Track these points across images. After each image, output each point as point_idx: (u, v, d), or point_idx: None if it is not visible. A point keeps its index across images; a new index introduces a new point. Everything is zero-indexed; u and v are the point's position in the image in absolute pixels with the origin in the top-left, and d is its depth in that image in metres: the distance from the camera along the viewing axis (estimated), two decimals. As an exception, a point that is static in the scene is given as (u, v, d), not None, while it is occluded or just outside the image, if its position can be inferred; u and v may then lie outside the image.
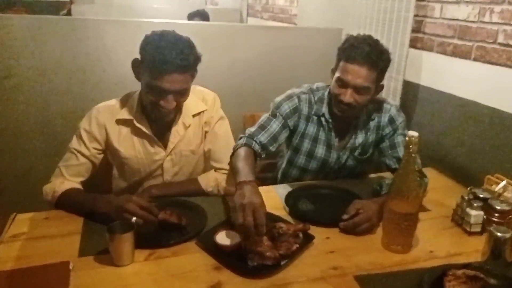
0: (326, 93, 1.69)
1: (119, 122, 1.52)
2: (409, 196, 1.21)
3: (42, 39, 2.10)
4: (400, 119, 1.70)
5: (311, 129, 1.72)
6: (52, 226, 1.35)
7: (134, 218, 1.23)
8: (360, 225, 1.33)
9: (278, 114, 1.67)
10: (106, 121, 1.51)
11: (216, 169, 1.62)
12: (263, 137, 1.61)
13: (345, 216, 1.35)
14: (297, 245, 1.21)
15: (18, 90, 2.10)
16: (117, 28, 2.23)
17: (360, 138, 1.71)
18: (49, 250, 1.22)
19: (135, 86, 1.53)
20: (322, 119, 1.69)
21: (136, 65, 1.44)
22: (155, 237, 1.27)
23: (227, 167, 1.60)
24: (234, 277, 1.13)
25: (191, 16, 3.80)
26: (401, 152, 1.62)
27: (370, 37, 1.56)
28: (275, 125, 1.65)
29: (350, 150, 1.73)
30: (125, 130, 1.54)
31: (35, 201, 1.47)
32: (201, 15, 3.79)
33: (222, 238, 1.22)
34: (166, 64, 1.33)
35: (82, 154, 1.50)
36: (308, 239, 1.27)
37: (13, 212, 1.42)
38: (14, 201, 2.17)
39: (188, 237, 1.28)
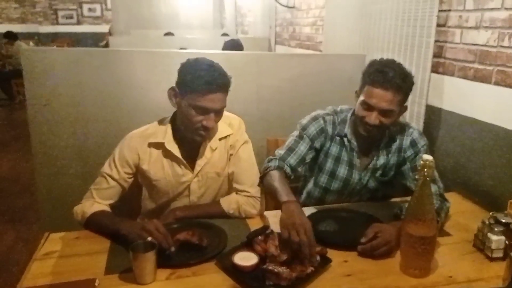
0: (349, 115, 1.74)
1: (151, 145, 1.61)
2: (425, 219, 1.21)
3: (79, 69, 2.24)
4: (422, 142, 1.72)
5: (334, 149, 1.76)
6: (81, 245, 1.42)
7: (149, 238, 1.28)
8: (378, 249, 1.34)
9: (305, 135, 1.73)
10: (138, 146, 1.61)
11: (237, 192, 1.67)
12: (292, 160, 1.68)
13: (363, 239, 1.37)
14: (312, 268, 1.23)
15: (57, 116, 2.24)
16: (150, 59, 2.35)
17: (381, 160, 1.73)
18: (78, 268, 1.29)
19: (165, 113, 1.64)
20: (345, 139, 1.74)
21: (174, 93, 1.55)
22: (176, 257, 1.32)
23: (249, 189, 1.65)
24: (250, 297, 1.16)
25: (226, 45, 3.92)
26: None
27: (393, 61, 1.61)
28: (302, 147, 1.71)
29: (371, 171, 1.75)
30: (156, 152, 1.62)
31: (70, 221, 1.57)
32: (236, 45, 3.91)
33: (240, 259, 1.26)
34: (208, 84, 1.45)
35: (113, 178, 1.58)
36: (325, 261, 1.29)
37: (48, 231, 1.52)
38: (52, 217, 2.29)
39: (208, 258, 1.32)
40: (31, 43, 8.93)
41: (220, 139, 1.66)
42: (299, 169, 1.73)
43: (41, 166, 2.29)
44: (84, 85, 2.27)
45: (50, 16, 10.62)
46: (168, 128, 1.62)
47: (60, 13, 10.66)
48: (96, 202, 1.55)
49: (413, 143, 1.71)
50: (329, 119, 1.76)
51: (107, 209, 1.56)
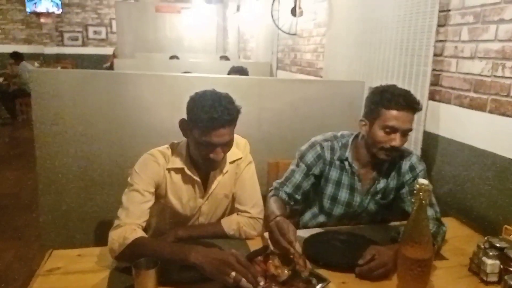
0: (350, 140, 1.80)
1: (170, 169, 1.62)
2: (421, 242, 1.24)
3: (85, 90, 2.30)
4: (420, 167, 1.77)
5: (334, 173, 1.81)
6: (84, 262, 1.45)
7: (233, 273, 1.23)
8: (375, 270, 1.37)
9: (301, 163, 1.82)
10: (163, 165, 1.61)
11: (239, 212, 1.70)
12: (287, 188, 1.79)
13: (360, 261, 1.39)
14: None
15: (63, 136, 2.28)
16: (155, 82, 2.42)
17: (382, 183, 1.79)
18: (80, 284, 1.32)
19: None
20: (346, 163, 1.79)
21: (184, 125, 1.56)
22: (177, 275, 1.34)
23: (250, 210, 1.68)
24: (249, 316, 1.18)
25: (232, 71, 3.99)
26: None
27: (395, 85, 1.71)
28: (297, 175, 1.80)
29: (372, 194, 1.80)
30: (175, 177, 1.63)
31: (71, 239, 1.59)
32: (242, 72, 3.98)
33: (247, 282, 1.25)
34: (213, 121, 1.45)
35: (147, 191, 1.54)
36: (323, 282, 1.31)
37: (50, 247, 1.54)
38: (53, 235, 2.31)
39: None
40: (36, 64, 9.07)
41: (230, 163, 1.69)
42: (297, 196, 1.80)
43: (44, 184, 2.32)
44: (90, 106, 2.32)
45: (55, 38, 10.82)
46: (185, 152, 1.63)
47: (66, 35, 10.85)
48: (137, 228, 1.46)
49: (412, 168, 1.76)
50: (326, 145, 1.82)
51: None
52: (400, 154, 1.78)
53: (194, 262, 1.28)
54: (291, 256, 1.33)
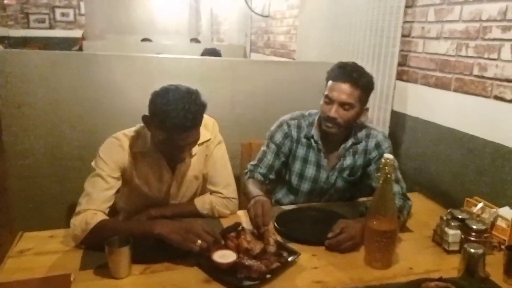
0: (316, 118, 1.84)
1: (136, 153, 1.60)
2: (386, 214, 1.30)
3: (54, 72, 2.25)
4: (386, 144, 1.82)
5: (301, 151, 1.86)
6: (56, 243, 1.44)
7: (199, 241, 1.28)
8: (343, 243, 1.42)
9: (271, 143, 1.87)
10: (128, 150, 1.58)
11: (212, 192, 1.72)
12: (261, 169, 1.85)
13: (330, 234, 1.44)
14: (278, 264, 1.28)
15: (30, 119, 2.23)
16: (126, 63, 2.38)
17: (348, 160, 1.83)
18: (53, 264, 1.32)
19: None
20: (312, 140, 1.83)
21: (147, 121, 1.52)
22: (151, 252, 1.35)
23: (223, 190, 1.70)
24: (222, 289, 1.21)
25: (205, 53, 3.96)
26: None
27: (354, 62, 1.76)
28: (269, 156, 1.86)
29: (339, 171, 1.85)
30: (141, 160, 1.61)
31: (43, 223, 1.57)
32: (214, 53, 3.95)
33: (220, 257, 1.30)
34: (177, 128, 1.42)
35: (111, 177, 1.51)
36: (294, 255, 1.35)
37: (21, 231, 1.53)
38: (24, 220, 2.28)
39: (182, 254, 1.36)
40: (0, 47, 8.74)
41: (199, 145, 1.68)
42: (271, 176, 1.86)
43: (14, 168, 2.28)
44: (59, 88, 2.27)
45: (21, 20, 10.40)
46: (149, 135, 1.59)
47: (32, 17, 10.44)
48: (98, 211, 1.43)
49: (378, 145, 1.82)
50: (293, 123, 1.87)
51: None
52: (366, 133, 1.84)
53: (160, 233, 1.31)
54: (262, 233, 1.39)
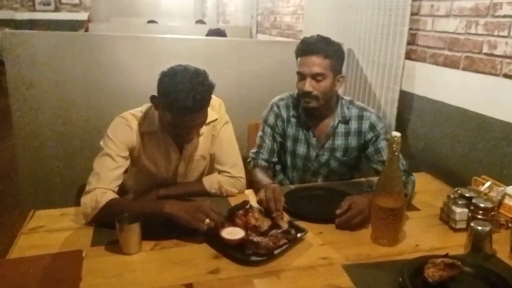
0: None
1: (144, 133, 1.60)
2: (393, 192, 1.30)
3: (61, 53, 2.26)
4: (380, 125, 1.83)
5: (291, 130, 1.90)
6: (67, 221, 1.46)
7: (207, 220, 1.29)
8: (352, 219, 1.43)
9: (266, 127, 1.91)
10: (136, 129, 1.58)
11: (219, 172, 1.73)
12: (263, 155, 1.87)
13: (338, 211, 1.45)
14: (285, 241, 1.30)
15: (39, 100, 2.26)
16: (131, 44, 2.38)
17: (339, 140, 1.85)
18: (64, 241, 1.34)
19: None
20: (299, 120, 1.87)
21: (155, 101, 1.52)
22: (161, 229, 1.37)
23: (230, 170, 1.71)
24: (231, 264, 1.23)
25: (210, 33, 3.95)
26: (385, 155, 1.75)
27: (318, 34, 1.78)
28: (267, 140, 1.89)
29: (330, 150, 1.87)
30: (149, 140, 1.62)
31: (51, 204, 1.59)
32: (220, 34, 3.93)
33: (228, 233, 1.32)
34: (185, 110, 1.42)
35: (120, 156, 1.53)
36: (301, 232, 1.37)
37: (32, 210, 1.56)
38: (33, 201, 2.32)
39: (191, 230, 1.38)
40: (7, 30, 8.72)
41: (206, 124, 1.68)
42: (274, 159, 1.90)
43: (23, 150, 2.31)
44: (66, 69, 2.28)
45: (26, 3, 10.36)
46: (157, 115, 1.59)
47: (38, 0, 10.41)
48: (107, 190, 1.45)
49: (372, 127, 1.83)
50: (282, 104, 1.91)
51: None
52: (359, 114, 1.84)
53: (169, 212, 1.32)
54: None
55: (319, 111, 1.81)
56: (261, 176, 1.73)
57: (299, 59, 1.77)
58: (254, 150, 1.91)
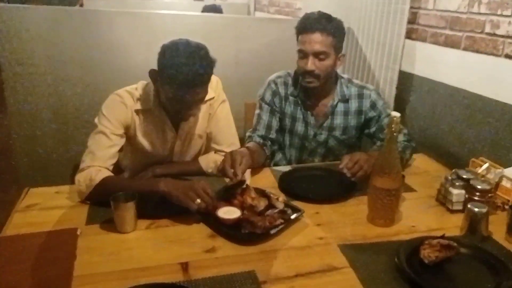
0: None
1: (139, 111, 1.58)
2: (391, 172, 1.29)
3: (55, 29, 2.21)
4: (380, 102, 1.83)
5: (289, 108, 1.86)
6: (62, 199, 1.45)
7: (198, 200, 1.28)
8: (353, 167, 1.51)
9: (263, 104, 1.86)
10: (131, 107, 1.56)
11: (216, 151, 1.72)
12: (259, 131, 1.82)
13: (340, 166, 1.54)
14: (282, 220, 1.29)
15: (32, 77, 2.22)
16: (128, 20, 2.33)
17: (338, 120, 1.84)
18: (60, 219, 1.33)
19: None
20: (298, 98, 1.83)
21: (154, 76, 1.49)
22: (157, 208, 1.37)
23: (227, 149, 1.68)
24: (227, 243, 1.23)
25: (205, 10, 3.89)
26: None
27: (319, 11, 1.74)
28: (264, 116, 1.85)
29: (328, 129, 1.85)
30: (144, 118, 1.59)
31: (48, 182, 1.58)
32: (215, 10, 3.87)
33: (224, 213, 1.31)
34: (187, 83, 1.38)
35: (114, 134, 1.51)
36: (298, 212, 1.36)
37: (26, 187, 1.54)
38: (30, 178, 2.31)
39: (186, 209, 1.37)
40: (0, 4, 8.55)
41: (203, 103, 1.64)
42: (271, 136, 1.83)
43: (18, 127, 2.29)
44: (60, 45, 2.24)
45: (20, -23, 10.13)
46: (152, 94, 1.57)
47: (31, -26, 10.17)
48: (102, 168, 1.43)
49: (373, 105, 1.82)
50: (280, 81, 1.87)
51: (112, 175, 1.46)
52: (359, 92, 1.83)
53: (163, 190, 1.31)
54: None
55: (318, 90, 1.79)
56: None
57: (300, 36, 1.72)
58: (250, 129, 1.88)
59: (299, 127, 1.86)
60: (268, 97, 1.86)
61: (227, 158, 1.42)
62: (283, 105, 1.86)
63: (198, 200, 1.28)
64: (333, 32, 1.68)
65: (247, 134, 1.86)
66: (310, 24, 1.68)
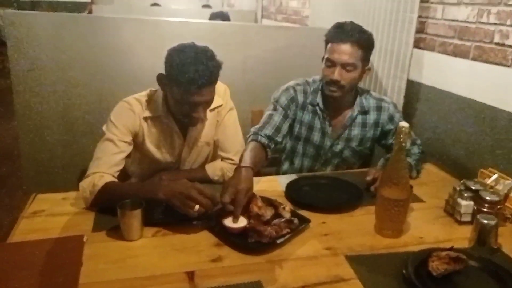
0: (321, 85, 1.81)
1: (147, 118, 1.58)
2: (399, 183, 1.28)
3: (63, 35, 2.22)
4: (398, 115, 1.83)
5: (307, 117, 1.84)
6: (69, 205, 1.45)
7: (197, 206, 1.26)
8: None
9: (277, 106, 1.81)
10: (139, 114, 1.56)
11: (223, 159, 1.72)
12: (267, 130, 1.74)
13: (368, 178, 1.59)
14: (288, 230, 1.28)
15: (41, 82, 2.23)
16: (135, 26, 2.34)
17: (356, 131, 1.82)
18: (66, 225, 1.33)
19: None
20: (317, 108, 1.81)
21: (163, 80, 1.49)
22: (164, 214, 1.36)
23: (234, 157, 1.70)
24: (233, 253, 1.22)
25: (213, 17, 3.91)
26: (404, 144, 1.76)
27: (352, 22, 1.71)
28: (276, 117, 1.79)
29: (345, 140, 1.84)
30: (153, 125, 1.60)
31: (54, 187, 1.58)
32: (223, 17, 3.89)
33: (230, 222, 1.30)
34: (194, 83, 1.39)
35: (122, 141, 1.51)
36: (305, 222, 1.36)
37: (34, 193, 1.54)
38: (36, 183, 2.31)
39: (195, 218, 1.37)
40: (9, 10, 8.63)
41: (210, 110, 1.66)
42: (277, 138, 1.76)
43: (25, 132, 2.29)
44: (69, 51, 2.25)
45: (29, -17, 10.24)
46: (161, 101, 1.58)
47: (40, -20, 10.27)
48: (105, 174, 1.43)
49: (391, 118, 1.81)
50: (299, 88, 1.84)
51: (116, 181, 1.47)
52: (377, 105, 1.82)
53: (162, 198, 1.30)
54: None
55: (339, 101, 1.77)
56: (246, 153, 1.53)
57: (330, 44, 1.69)
58: (257, 126, 1.78)
59: (316, 137, 1.85)
60: (284, 101, 1.82)
61: (230, 193, 1.33)
62: (300, 113, 1.84)
63: (197, 207, 1.26)
64: (364, 45, 1.67)
65: (252, 130, 1.77)
66: (341, 34, 1.65)
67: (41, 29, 2.19)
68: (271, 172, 2.06)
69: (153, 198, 1.32)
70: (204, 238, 1.28)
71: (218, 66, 1.45)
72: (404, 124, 1.24)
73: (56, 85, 2.27)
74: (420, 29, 2.11)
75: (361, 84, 1.86)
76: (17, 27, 2.14)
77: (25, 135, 2.30)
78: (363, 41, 1.66)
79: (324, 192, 1.61)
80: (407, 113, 2.18)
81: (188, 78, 1.38)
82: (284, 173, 1.94)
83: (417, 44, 2.13)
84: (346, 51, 1.64)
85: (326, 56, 1.70)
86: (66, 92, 2.30)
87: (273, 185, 1.67)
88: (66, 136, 2.35)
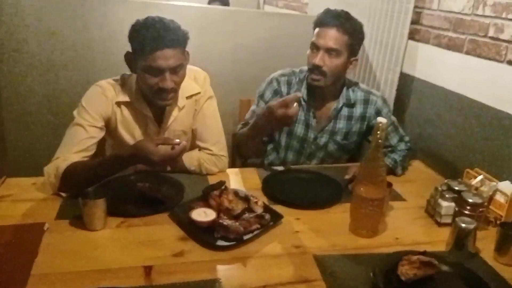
0: (307, 75, 1.74)
1: (120, 103, 1.53)
2: (375, 182, 1.22)
3: (51, 14, 2.17)
4: (385, 110, 1.77)
5: None
6: (37, 191, 1.41)
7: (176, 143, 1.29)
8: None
9: (261, 101, 1.80)
10: (112, 98, 1.51)
11: (200, 148, 1.66)
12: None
13: (347, 176, 1.54)
14: (258, 225, 1.24)
15: (26, 62, 2.18)
16: (123, 7, 2.27)
17: (341, 124, 1.76)
18: (29, 212, 1.29)
19: None
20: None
21: (129, 57, 1.45)
22: (129, 206, 1.32)
23: (212, 147, 1.64)
24: (197, 248, 1.17)
25: (211, 1, 3.82)
26: (391, 140, 1.77)
27: (342, 10, 1.69)
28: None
29: (330, 133, 1.78)
30: (126, 111, 1.55)
31: (39, 171, 1.53)
32: (222, 2, 3.80)
33: (198, 214, 1.26)
34: (155, 41, 1.35)
35: (92, 126, 1.45)
36: (276, 217, 1.30)
37: (4, 176, 1.50)
38: (21, 168, 2.26)
39: (161, 209, 1.33)
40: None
41: (187, 97, 1.60)
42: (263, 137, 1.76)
43: (10, 114, 2.26)
44: (55, 31, 2.20)
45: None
46: (134, 86, 1.53)
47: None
48: (70, 157, 1.38)
49: (378, 112, 1.76)
50: (283, 79, 1.80)
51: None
52: (365, 98, 1.77)
53: (135, 152, 1.30)
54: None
55: (324, 91, 1.73)
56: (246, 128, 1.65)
57: (317, 29, 1.66)
58: (242, 122, 1.80)
59: (299, 129, 1.79)
60: (267, 95, 1.79)
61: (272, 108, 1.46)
62: None
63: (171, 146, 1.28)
64: (350, 32, 1.63)
65: (238, 126, 1.80)
66: (328, 18, 1.63)
67: (27, 8, 2.13)
68: (255, 163, 2.01)
69: (121, 160, 1.33)
70: (169, 231, 1.24)
71: (182, 31, 1.42)
72: (382, 120, 1.18)
73: (42, 66, 2.23)
74: (416, 20, 2.02)
75: (353, 77, 1.79)
76: (1, 6, 2.08)
77: (10, 118, 2.26)
78: (350, 27, 1.62)
79: (302, 187, 1.56)
80: (399, 106, 2.10)
81: (151, 37, 1.34)
82: (271, 164, 1.89)
83: (412, 36, 2.04)
84: (331, 35, 1.61)
85: (311, 40, 1.67)
86: (53, 74, 2.25)
87: (252, 177, 1.63)
88: (51, 119, 2.31)
